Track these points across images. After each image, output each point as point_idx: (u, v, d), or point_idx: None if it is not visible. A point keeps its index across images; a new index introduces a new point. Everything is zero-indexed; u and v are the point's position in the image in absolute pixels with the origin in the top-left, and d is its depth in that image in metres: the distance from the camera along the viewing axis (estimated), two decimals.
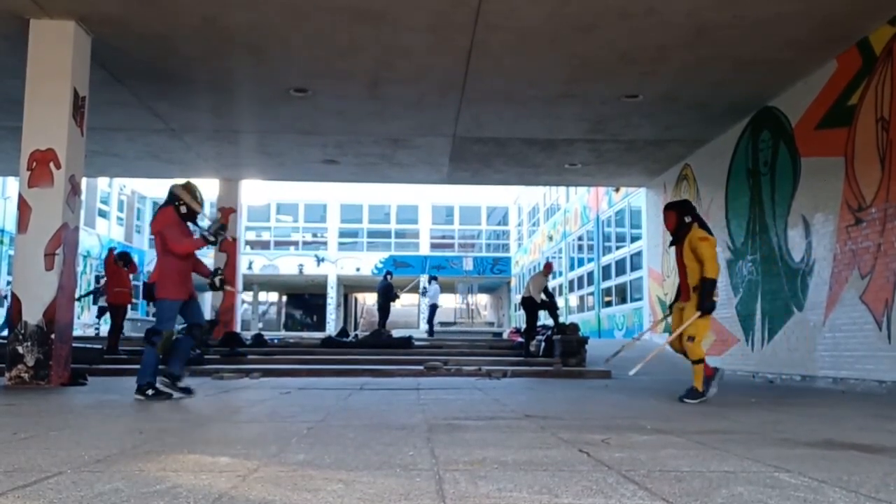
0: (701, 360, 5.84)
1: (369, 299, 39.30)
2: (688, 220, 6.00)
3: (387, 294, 16.80)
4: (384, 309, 16.83)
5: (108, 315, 15.60)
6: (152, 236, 5.89)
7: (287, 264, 30.56)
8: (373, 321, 31.51)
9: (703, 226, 6.01)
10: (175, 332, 5.90)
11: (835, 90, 8.12)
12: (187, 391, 5.88)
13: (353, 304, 40.54)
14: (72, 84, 7.27)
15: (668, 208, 6.18)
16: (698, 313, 5.80)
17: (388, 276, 17.33)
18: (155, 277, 5.82)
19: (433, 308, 19.49)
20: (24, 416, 4.45)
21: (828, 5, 6.87)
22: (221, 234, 5.96)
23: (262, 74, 8.71)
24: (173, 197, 5.90)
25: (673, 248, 6.17)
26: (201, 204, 5.97)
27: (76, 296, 8.67)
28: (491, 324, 35.18)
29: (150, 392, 5.65)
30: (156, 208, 6.01)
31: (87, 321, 18.03)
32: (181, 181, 6.10)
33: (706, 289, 5.78)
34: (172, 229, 5.77)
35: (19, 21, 7.18)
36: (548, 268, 12.64)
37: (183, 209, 5.87)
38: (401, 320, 31.00)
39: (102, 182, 25.08)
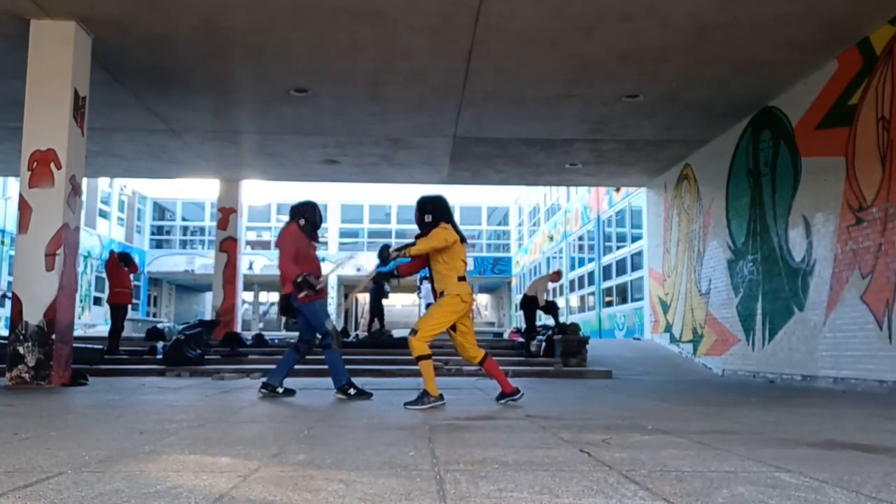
0: (422, 357, 5.12)
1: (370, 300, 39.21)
2: (428, 219, 5.33)
3: (377, 294, 16.94)
4: (376, 308, 16.93)
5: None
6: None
7: None
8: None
9: (454, 225, 5.33)
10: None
11: (835, 90, 8.12)
12: (290, 392, 6.04)
13: (353, 305, 40.51)
14: (72, 84, 7.27)
15: (417, 203, 5.48)
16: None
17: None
18: (289, 288, 5.87)
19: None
20: (25, 416, 4.45)
21: (828, 6, 6.86)
22: (305, 288, 5.83)
23: (262, 74, 8.71)
24: (294, 213, 6.12)
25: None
26: (321, 220, 6.25)
27: None
28: (492, 324, 35.14)
29: (351, 391, 5.79)
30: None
31: (88, 321, 18.07)
32: (303, 200, 6.33)
33: (396, 254, 5.25)
34: (287, 245, 5.92)
35: (20, 22, 7.19)
36: (557, 275, 12.76)
37: (302, 221, 6.05)
38: (401, 321, 30.97)
39: (103, 182, 25.09)
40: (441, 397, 5.16)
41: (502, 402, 5.47)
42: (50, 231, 7.10)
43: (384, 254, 5.29)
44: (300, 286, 5.75)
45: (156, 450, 2.98)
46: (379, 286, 16.75)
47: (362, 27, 7.36)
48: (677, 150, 12.02)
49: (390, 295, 17.46)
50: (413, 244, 5.27)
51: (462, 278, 5.31)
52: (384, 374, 9.54)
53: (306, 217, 6.07)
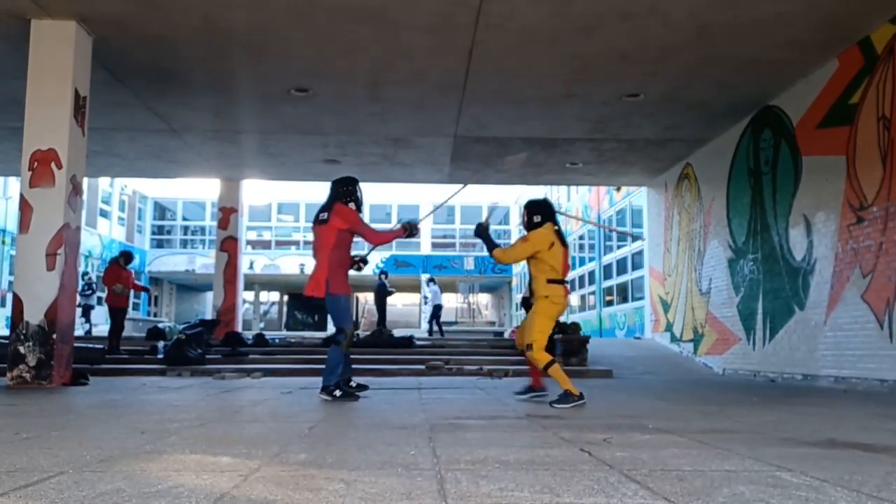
0: (551, 363, 5.34)
1: (370, 299, 39.29)
2: (537, 219, 5.59)
3: (381, 292, 17.10)
4: (380, 306, 17.09)
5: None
6: (340, 230, 5.63)
7: (288, 264, 30.56)
8: (374, 321, 31.42)
9: (557, 229, 5.57)
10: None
11: (836, 89, 8.11)
12: (359, 391, 5.88)
13: (354, 304, 40.56)
14: (73, 84, 7.27)
15: (525, 207, 5.77)
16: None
17: (383, 276, 17.58)
18: (323, 275, 5.53)
19: (436, 308, 19.51)
20: (26, 416, 4.45)
21: (829, 5, 6.86)
22: (415, 232, 5.79)
23: (263, 74, 8.71)
24: (342, 193, 5.74)
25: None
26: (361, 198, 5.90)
27: None
28: (492, 323, 35.15)
29: (337, 393, 5.55)
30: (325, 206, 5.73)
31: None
32: (343, 177, 5.93)
33: (488, 243, 5.68)
34: (360, 221, 5.69)
35: (20, 21, 7.19)
36: None
37: (352, 205, 5.73)
38: (402, 320, 30.98)
39: (104, 182, 25.10)
40: (581, 396, 5.22)
41: (524, 396, 5.76)
42: (51, 231, 7.11)
43: (480, 231, 5.69)
44: (412, 232, 5.77)
45: (157, 449, 2.98)
46: (383, 285, 16.93)
47: (362, 27, 7.36)
48: (678, 150, 12.02)
49: (392, 295, 17.60)
50: (498, 247, 5.67)
51: (553, 280, 5.44)
52: (384, 374, 9.55)
53: (355, 199, 5.72)
